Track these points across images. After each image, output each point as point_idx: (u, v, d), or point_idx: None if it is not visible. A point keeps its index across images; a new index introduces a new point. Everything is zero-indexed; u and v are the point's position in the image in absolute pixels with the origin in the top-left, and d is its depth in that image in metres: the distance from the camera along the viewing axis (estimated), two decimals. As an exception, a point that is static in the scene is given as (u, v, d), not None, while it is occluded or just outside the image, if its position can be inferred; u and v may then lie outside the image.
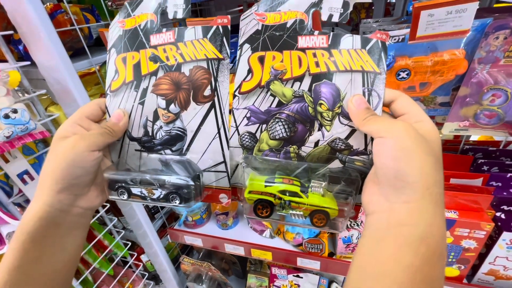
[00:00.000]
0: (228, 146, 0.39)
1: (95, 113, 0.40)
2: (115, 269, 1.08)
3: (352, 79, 0.35)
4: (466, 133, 0.59)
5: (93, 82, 0.91)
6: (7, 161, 0.64)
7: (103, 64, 0.75)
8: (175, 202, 0.39)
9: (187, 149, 0.41)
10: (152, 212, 1.12)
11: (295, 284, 1.01)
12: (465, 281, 0.69)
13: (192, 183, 0.38)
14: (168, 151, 0.41)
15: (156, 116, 0.41)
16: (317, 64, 0.36)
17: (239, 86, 0.38)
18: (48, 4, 0.73)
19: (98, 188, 0.40)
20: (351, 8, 0.34)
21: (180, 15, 0.39)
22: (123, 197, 0.40)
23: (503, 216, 0.63)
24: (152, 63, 0.40)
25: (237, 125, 0.39)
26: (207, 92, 0.39)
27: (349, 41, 0.35)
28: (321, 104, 0.36)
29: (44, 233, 0.34)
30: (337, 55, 0.35)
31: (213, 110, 0.39)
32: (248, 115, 0.38)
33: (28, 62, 0.63)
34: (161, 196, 0.39)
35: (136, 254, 1.15)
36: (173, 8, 0.39)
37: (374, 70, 0.35)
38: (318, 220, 0.37)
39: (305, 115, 0.37)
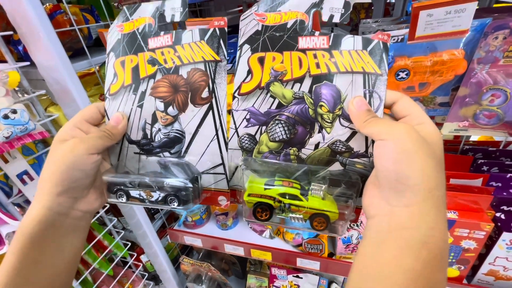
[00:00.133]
0: (227, 148, 0.39)
1: (95, 117, 0.40)
2: (114, 269, 1.08)
3: (353, 80, 0.35)
4: (465, 133, 0.59)
5: (93, 82, 0.91)
6: (6, 161, 0.64)
7: (103, 64, 0.75)
8: (173, 205, 0.39)
9: (186, 151, 0.40)
10: (152, 213, 1.12)
11: (294, 284, 1.01)
12: (465, 281, 0.69)
13: (190, 185, 0.38)
14: (166, 154, 0.41)
15: (154, 119, 0.40)
16: (317, 65, 0.36)
17: (239, 88, 0.38)
18: (47, 4, 0.73)
19: (97, 191, 0.40)
20: (351, 9, 0.34)
21: (177, 18, 0.39)
22: (122, 199, 0.40)
23: (503, 216, 0.63)
24: (150, 66, 0.40)
25: (237, 126, 0.39)
26: (205, 94, 0.38)
27: (350, 42, 0.35)
28: (321, 105, 0.36)
29: (43, 236, 0.34)
30: (338, 56, 0.35)
31: (211, 112, 0.39)
32: (248, 116, 0.38)
33: (28, 63, 0.63)
34: (160, 198, 0.39)
35: (135, 255, 1.15)
36: (170, 12, 0.39)
37: (375, 71, 0.34)
38: (318, 224, 0.36)
39: (306, 117, 0.37)
